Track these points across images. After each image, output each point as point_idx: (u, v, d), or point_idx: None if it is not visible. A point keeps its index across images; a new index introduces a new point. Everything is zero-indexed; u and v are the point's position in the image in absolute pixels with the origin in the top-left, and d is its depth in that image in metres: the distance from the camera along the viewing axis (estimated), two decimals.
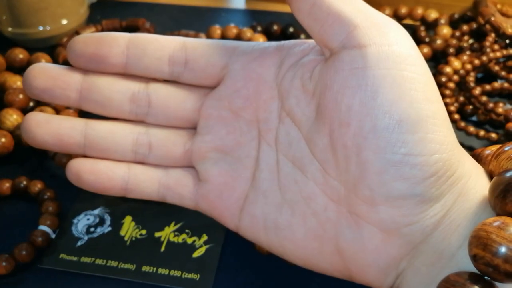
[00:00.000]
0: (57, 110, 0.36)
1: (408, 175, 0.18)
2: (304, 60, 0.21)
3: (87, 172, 0.23)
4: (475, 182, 0.19)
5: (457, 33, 0.44)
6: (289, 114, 0.21)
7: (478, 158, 0.21)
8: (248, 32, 0.45)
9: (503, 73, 0.41)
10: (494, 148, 0.20)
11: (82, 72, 0.22)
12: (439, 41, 0.44)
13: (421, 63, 0.18)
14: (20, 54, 0.39)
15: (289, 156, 0.21)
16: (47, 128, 0.22)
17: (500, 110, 0.37)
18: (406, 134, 0.17)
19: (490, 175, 0.19)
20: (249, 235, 0.23)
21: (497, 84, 0.40)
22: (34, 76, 0.22)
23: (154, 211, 0.31)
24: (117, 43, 0.22)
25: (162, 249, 0.29)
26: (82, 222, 0.31)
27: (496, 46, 0.42)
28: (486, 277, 0.16)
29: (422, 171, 0.17)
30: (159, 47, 0.22)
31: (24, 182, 0.32)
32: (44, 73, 0.22)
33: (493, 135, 0.36)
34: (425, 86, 0.18)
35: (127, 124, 0.23)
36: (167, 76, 0.22)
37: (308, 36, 0.46)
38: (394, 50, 0.18)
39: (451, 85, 0.39)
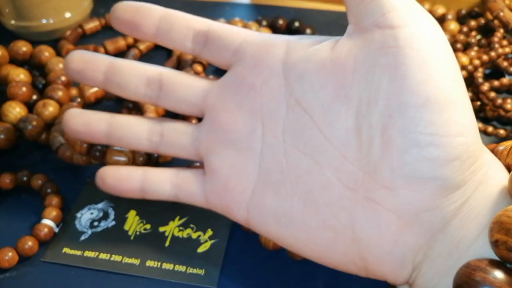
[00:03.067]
0: (60, 103, 0.35)
1: (431, 156, 0.17)
2: (320, 46, 0.21)
3: (110, 176, 0.26)
4: (495, 173, 0.19)
5: (465, 29, 0.44)
6: (299, 102, 0.21)
7: (492, 153, 0.20)
8: (253, 26, 0.45)
9: None
10: (508, 143, 0.20)
11: (108, 57, 0.25)
12: (446, 37, 0.43)
13: (450, 50, 0.19)
14: (23, 47, 0.39)
15: (299, 146, 0.21)
16: (79, 119, 0.26)
17: (508, 106, 0.37)
18: (432, 114, 0.17)
19: (507, 168, 0.19)
20: (259, 228, 0.23)
21: (505, 80, 0.39)
22: (71, 60, 0.25)
23: (158, 206, 0.31)
24: (151, 15, 0.24)
25: (167, 244, 0.29)
26: (85, 216, 0.31)
27: (504, 42, 0.41)
28: (507, 264, 0.16)
29: (445, 153, 0.17)
30: (185, 25, 0.24)
31: (27, 176, 0.32)
32: (79, 56, 0.25)
33: (502, 132, 0.36)
34: (453, 71, 0.18)
35: (143, 117, 0.26)
36: (190, 51, 0.24)
37: (313, 32, 0.46)
38: (426, 34, 0.18)
39: None
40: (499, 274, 0.15)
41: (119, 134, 0.25)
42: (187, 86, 0.25)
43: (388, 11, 0.19)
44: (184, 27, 0.24)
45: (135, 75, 0.25)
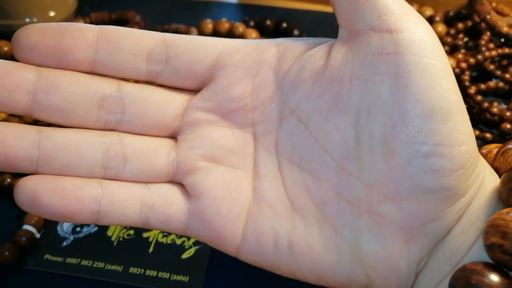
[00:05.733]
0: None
1: (437, 167, 0.17)
2: (314, 51, 0.19)
3: (48, 191, 0.18)
4: (489, 177, 0.19)
5: (452, 31, 0.44)
6: (294, 111, 0.20)
7: None
8: (240, 27, 0.44)
9: (498, 72, 0.40)
10: (491, 146, 0.21)
11: (35, 69, 0.18)
12: None
13: (445, 55, 0.18)
14: (4, 46, 0.38)
15: (294, 159, 0.20)
16: None
17: (495, 109, 0.37)
18: (438, 124, 0.17)
19: (496, 172, 0.19)
20: (254, 257, 0.20)
21: (492, 83, 0.39)
22: None
23: None
24: (83, 35, 0.18)
25: (151, 250, 0.29)
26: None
27: (491, 45, 0.41)
28: (502, 267, 0.16)
29: (451, 163, 0.17)
30: (135, 41, 0.19)
31: (8, 180, 0.31)
32: None
33: (488, 135, 0.36)
34: (451, 78, 0.18)
35: (94, 132, 0.19)
36: (144, 76, 0.19)
37: (301, 33, 0.46)
38: (425, 39, 0.17)
39: None
40: (495, 278, 0.16)
41: (57, 161, 0.18)
42: (159, 106, 0.20)
43: (384, 13, 0.18)
44: (134, 44, 0.19)
45: (83, 94, 0.18)
